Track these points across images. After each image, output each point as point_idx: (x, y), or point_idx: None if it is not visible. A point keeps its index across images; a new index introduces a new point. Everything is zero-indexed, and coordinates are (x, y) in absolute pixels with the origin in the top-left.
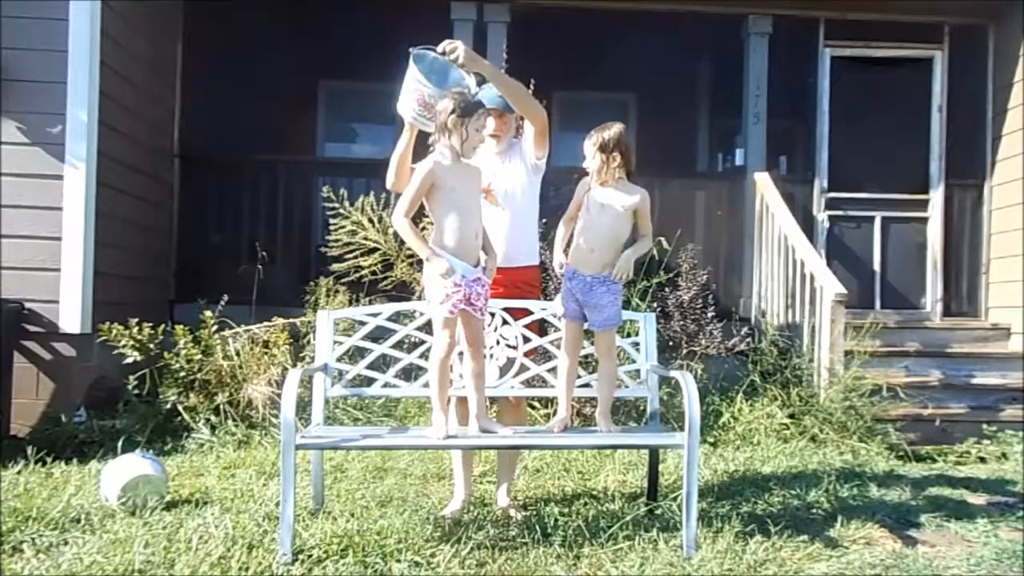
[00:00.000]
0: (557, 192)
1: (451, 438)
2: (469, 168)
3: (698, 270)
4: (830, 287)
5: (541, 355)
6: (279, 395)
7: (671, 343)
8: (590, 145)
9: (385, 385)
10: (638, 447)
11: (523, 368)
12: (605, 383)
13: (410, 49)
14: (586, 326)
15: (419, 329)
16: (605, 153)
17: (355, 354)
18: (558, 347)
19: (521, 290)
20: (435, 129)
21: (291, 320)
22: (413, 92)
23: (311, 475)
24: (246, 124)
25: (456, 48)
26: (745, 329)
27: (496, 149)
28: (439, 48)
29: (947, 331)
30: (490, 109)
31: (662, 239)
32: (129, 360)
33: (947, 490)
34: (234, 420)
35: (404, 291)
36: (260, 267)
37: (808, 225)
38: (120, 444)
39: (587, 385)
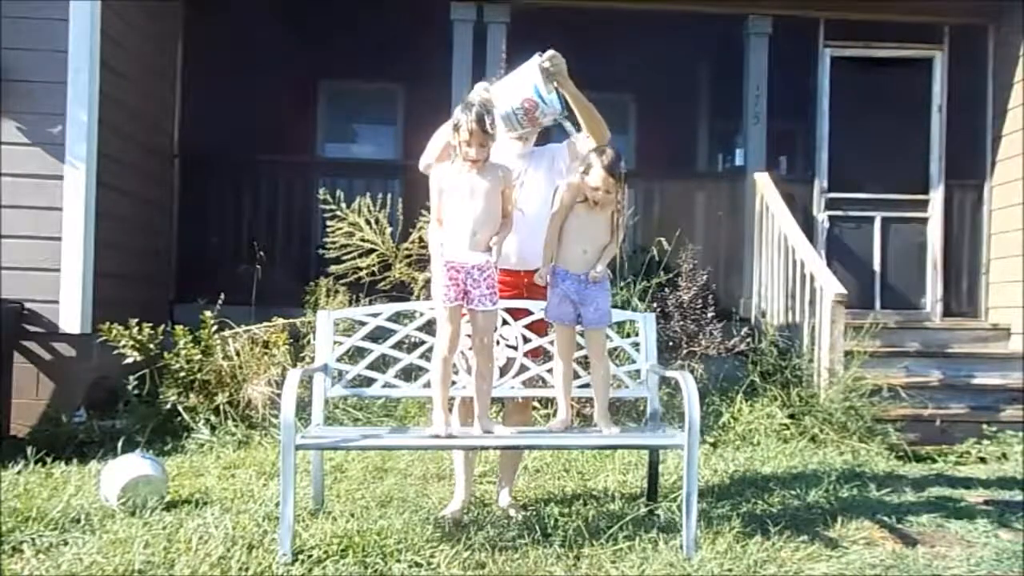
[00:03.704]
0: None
1: (451, 438)
2: (487, 166)
3: (698, 270)
4: (830, 287)
5: (544, 355)
6: (279, 395)
7: (671, 343)
8: (602, 171)
9: (385, 385)
10: (638, 447)
11: (523, 368)
12: (600, 385)
13: (539, 53)
14: (579, 328)
15: (419, 329)
16: (620, 181)
17: (355, 354)
18: None
19: (532, 291)
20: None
21: (291, 320)
22: (522, 94)
23: (311, 475)
24: (246, 124)
25: (561, 64)
26: (745, 329)
27: (518, 151)
28: (544, 57)
29: (947, 331)
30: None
31: (662, 239)
32: (129, 360)
33: (947, 490)
34: (234, 420)
35: (402, 291)
36: (260, 267)
37: (808, 225)
38: (120, 444)
39: (587, 386)
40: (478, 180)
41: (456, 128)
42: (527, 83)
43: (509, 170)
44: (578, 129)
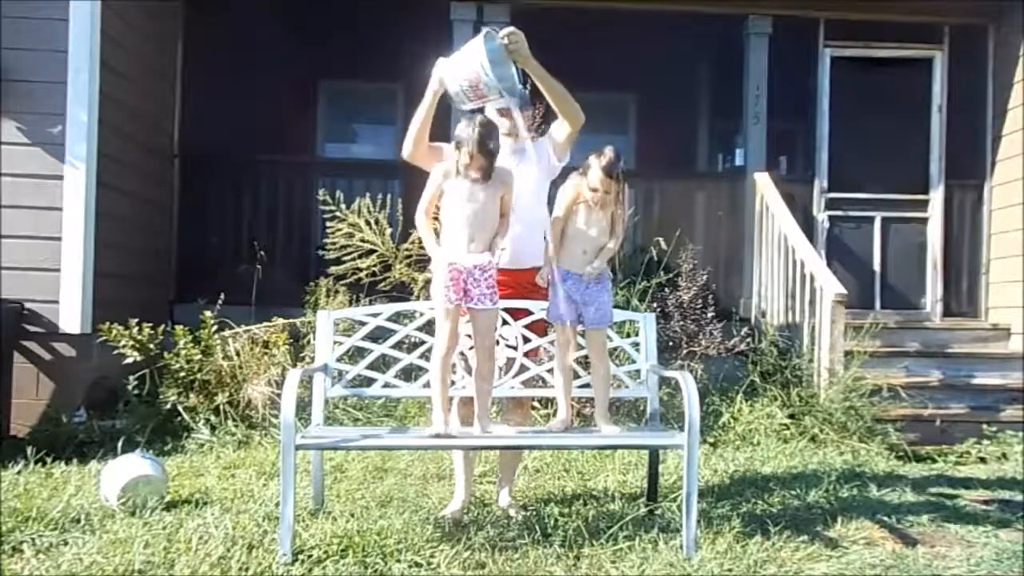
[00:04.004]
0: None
1: (451, 438)
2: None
3: (698, 270)
4: (830, 287)
5: (544, 354)
6: (279, 395)
7: (671, 343)
8: (600, 172)
9: (385, 385)
10: (638, 447)
11: (523, 368)
12: (600, 385)
13: (485, 28)
14: (580, 328)
15: (419, 329)
16: (619, 182)
17: (355, 354)
18: None
19: (528, 290)
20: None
21: (291, 320)
22: (469, 70)
23: (311, 475)
24: (246, 124)
25: (519, 42)
26: (745, 329)
27: (510, 147)
28: (501, 33)
29: (947, 331)
30: (504, 109)
31: (661, 239)
32: (129, 360)
33: (947, 490)
34: (234, 420)
35: (403, 292)
36: (260, 267)
37: (808, 225)
38: (120, 444)
39: (587, 386)
40: (477, 186)
41: (458, 146)
42: (469, 57)
43: (509, 172)
44: (522, 111)
